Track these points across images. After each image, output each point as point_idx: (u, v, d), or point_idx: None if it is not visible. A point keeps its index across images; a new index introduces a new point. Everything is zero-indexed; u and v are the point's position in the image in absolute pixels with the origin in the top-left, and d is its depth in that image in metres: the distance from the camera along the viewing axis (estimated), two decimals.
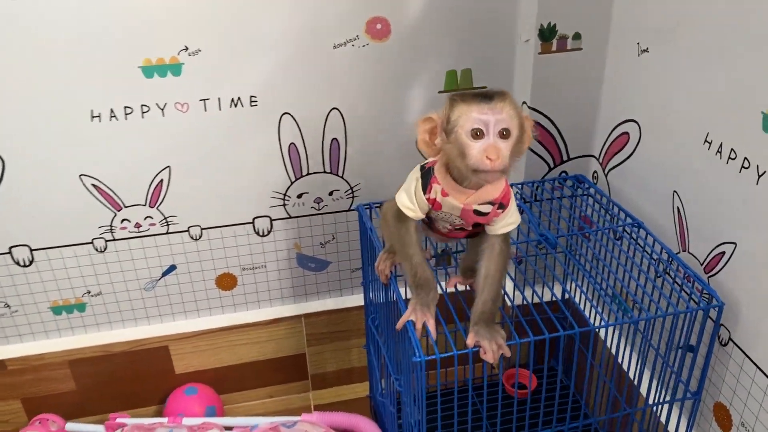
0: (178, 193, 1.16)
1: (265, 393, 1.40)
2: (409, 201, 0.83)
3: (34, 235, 1.14)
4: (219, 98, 1.09)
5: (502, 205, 0.82)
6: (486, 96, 0.75)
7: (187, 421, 1.21)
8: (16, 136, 1.05)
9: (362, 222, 1.10)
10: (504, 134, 0.74)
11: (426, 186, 0.82)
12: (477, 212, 0.81)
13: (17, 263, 1.16)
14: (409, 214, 0.83)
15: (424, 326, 0.83)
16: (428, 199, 0.82)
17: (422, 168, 0.84)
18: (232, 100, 1.10)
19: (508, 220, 0.84)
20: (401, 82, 1.13)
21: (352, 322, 1.35)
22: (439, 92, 1.16)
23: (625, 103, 1.08)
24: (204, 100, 1.09)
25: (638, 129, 1.06)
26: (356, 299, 1.33)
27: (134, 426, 1.19)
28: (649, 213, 1.06)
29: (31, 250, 1.16)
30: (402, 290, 0.95)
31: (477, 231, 0.87)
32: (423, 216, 0.84)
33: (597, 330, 1.06)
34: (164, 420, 1.21)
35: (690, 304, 0.90)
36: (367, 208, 1.11)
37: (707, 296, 0.90)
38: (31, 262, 1.17)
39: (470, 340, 0.82)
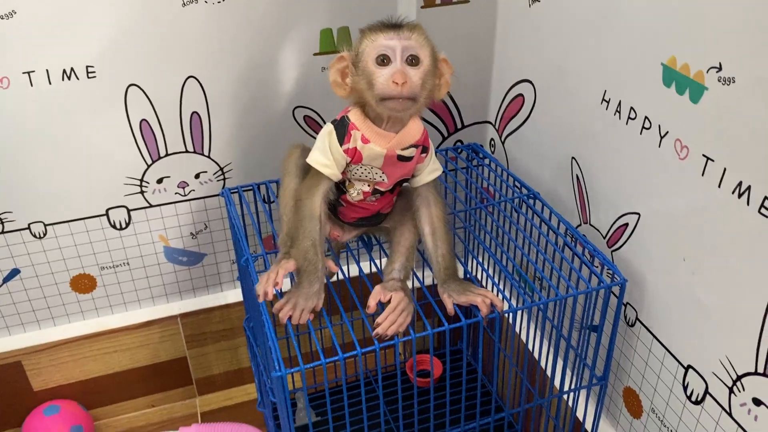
0: (9, 185, 0.98)
1: (145, 403, 1.24)
2: (324, 157, 0.74)
3: None
4: (47, 70, 0.91)
5: (425, 149, 0.77)
6: (395, 24, 0.71)
7: None
8: None
9: (230, 209, 0.95)
10: (412, 62, 0.70)
11: (343, 136, 0.73)
12: (401, 158, 0.74)
13: None
14: (325, 171, 0.74)
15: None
16: (347, 151, 0.74)
17: (334, 121, 0.75)
18: (64, 71, 0.92)
19: (433, 166, 0.79)
20: (268, 44, 0.98)
21: (236, 319, 1.21)
22: (314, 54, 1.01)
23: (519, 62, 0.97)
24: (28, 72, 0.90)
25: (533, 90, 0.95)
26: (238, 294, 1.19)
27: None
28: (547, 182, 0.96)
29: None
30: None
31: (389, 200, 0.80)
32: (340, 174, 0.75)
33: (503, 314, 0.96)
34: None
35: (590, 283, 0.81)
36: (234, 193, 0.97)
37: (610, 273, 0.81)
38: None
39: (449, 304, 0.75)
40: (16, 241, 1.03)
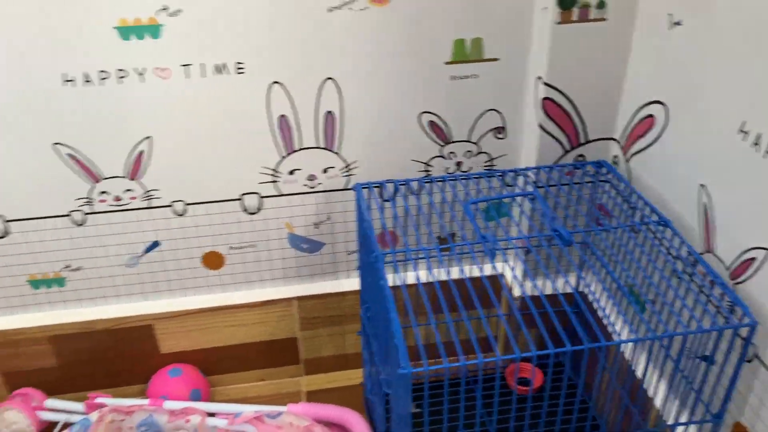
0: (160, 165, 1.08)
1: (256, 376, 1.33)
2: None
3: (9, 205, 1.08)
4: (203, 64, 1.00)
5: None
6: None
7: (169, 404, 1.15)
8: None
9: (359, 203, 1.01)
10: None
11: None
12: None
13: None
14: None
15: None
16: None
17: None
18: (217, 66, 1.00)
19: None
20: (404, 50, 1.03)
21: (348, 307, 1.27)
22: (446, 63, 1.05)
23: (652, 83, 0.96)
24: (186, 65, 1.00)
25: (665, 112, 0.94)
26: (351, 283, 1.25)
27: (113, 407, 1.13)
28: (671, 206, 0.95)
29: (5, 221, 1.09)
30: (391, 278, 0.85)
31: None
32: None
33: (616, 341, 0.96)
34: (145, 402, 1.15)
35: (716, 318, 0.79)
36: (365, 188, 1.02)
37: (730, 304, 0.80)
38: (6, 234, 1.10)
39: None
40: (160, 216, 1.13)
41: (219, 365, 1.30)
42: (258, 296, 1.24)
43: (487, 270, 1.21)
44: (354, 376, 1.35)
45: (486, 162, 1.16)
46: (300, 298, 1.25)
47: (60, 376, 1.25)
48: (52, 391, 1.25)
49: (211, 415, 1.15)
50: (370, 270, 0.90)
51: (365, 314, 1.05)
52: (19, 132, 1.01)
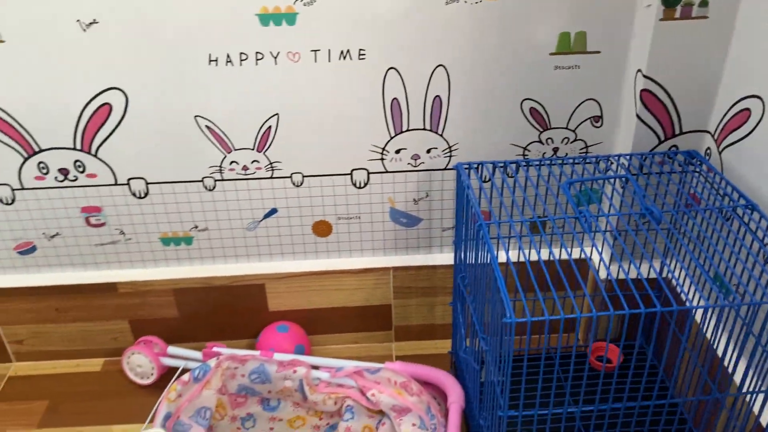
0: (284, 139, 1.20)
1: (351, 338, 1.45)
2: None
3: (150, 169, 1.22)
4: (329, 50, 1.11)
5: None
6: None
7: (278, 356, 1.28)
8: (138, 74, 1.12)
9: (460, 181, 1.10)
10: None
11: None
12: None
13: (134, 194, 1.25)
14: None
15: None
16: None
17: None
18: (341, 52, 1.12)
19: None
20: (511, 41, 1.12)
21: (438, 279, 1.37)
22: (551, 54, 1.13)
23: (750, 78, 1.02)
24: (315, 51, 1.11)
25: (762, 106, 0.99)
26: (444, 258, 1.35)
27: (229, 356, 1.27)
28: (764, 197, 1.00)
29: (147, 183, 1.24)
30: (496, 251, 0.95)
31: None
32: None
33: (694, 311, 1.02)
34: (257, 353, 1.28)
35: None
36: (466, 168, 1.12)
37: None
38: (146, 195, 1.25)
39: None
40: (280, 186, 1.26)
41: (318, 325, 1.42)
42: (358, 264, 1.35)
43: (576, 253, 1.29)
44: (440, 346, 1.45)
45: (581, 149, 1.23)
46: (395, 269, 1.36)
47: (180, 326, 1.40)
48: (171, 340, 1.40)
49: (315, 368, 1.27)
50: (462, 239, 1.00)
51: (461, 283, 1.14)
52: (165, 104, 1.15)
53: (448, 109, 1.18)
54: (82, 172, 1.22)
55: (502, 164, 1.17)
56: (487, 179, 1.25)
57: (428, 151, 1.23)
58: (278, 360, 1.27)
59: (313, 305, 1.39)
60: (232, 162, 1.22)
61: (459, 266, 1.20)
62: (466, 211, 1.08)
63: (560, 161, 1.17)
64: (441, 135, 1.21)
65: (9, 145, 1.18)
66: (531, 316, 0.81)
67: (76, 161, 1.20)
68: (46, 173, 1.21)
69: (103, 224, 1.28)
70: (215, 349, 1.33)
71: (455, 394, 1.16)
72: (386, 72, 1.14)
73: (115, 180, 1.23)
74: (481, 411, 1.06)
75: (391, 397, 1.19)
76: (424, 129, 1.20)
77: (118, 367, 1.42)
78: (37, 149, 1.19)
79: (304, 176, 1.25)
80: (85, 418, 1.31)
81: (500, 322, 0.82)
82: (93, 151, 1.19)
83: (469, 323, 1.11)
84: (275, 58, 1.11)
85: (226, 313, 1.38)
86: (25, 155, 1.19)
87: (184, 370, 1.33)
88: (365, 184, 1.27)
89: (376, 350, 1.45)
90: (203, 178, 1.24)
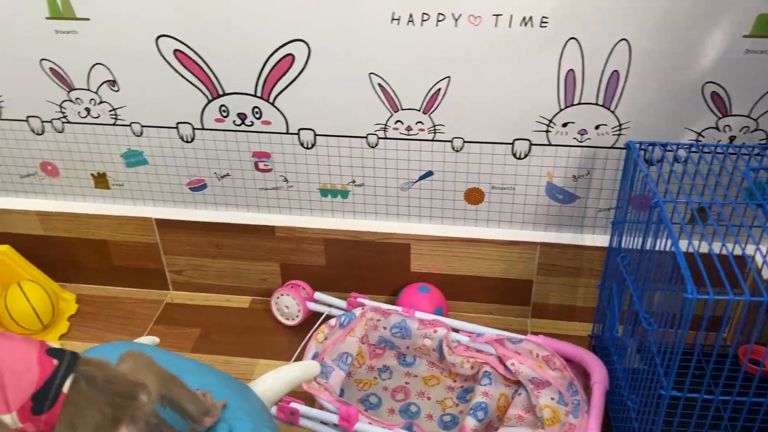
0: (451, 103, 1.22)
1: (486, 309, 1.46)
2: None
3: (321, 121, 1.28)
4: (512, 15, 1.11)
5: None
6: None
7: (419, 314, 1.31)
8: (322, 28, 1.17)
9: (628, 159, 1.08)
10: None
11: None
12: None
13: (302, 144, 1.31)
14: None
15: None
16: None
17: None
18: (524, 18, 1.11)
19: None
20: (702, 20, 1.07)
21: (586, 261, 1.35)
22: (744, 36, 1.07)
23: None
24: (497, 15, 1.12)
25: None
26: (595, 239, 1.33)
27: (373, 307, 1.32)
28: None
29: (315, 135, 1.30)
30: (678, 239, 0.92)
31: None
32: None
33: None
34: (399, 309, 1.32)
35: None
36: (638, 147, 1.09)
37: None
38: (312, 146, 1.31)
39: None
40: (439, 149, 1.28)
41: (456, 291, 1.44)
42: (505, 235, 1.36)
43: (737, 250, 1.23)
44: (579, 329, 1.43)
45: (761, 140, 1.17)
46: (543, 244, 1.35)
47: (326, 275, 1.46)
48: (317, 287, 1.47)
49: (455, 330, 1.29)
50: (623, 221, 0.97)
51: (621, 260, 1.12)
52: (344, 59, 1.20)
53: (624, 85, 1.15)
54: (259, 118, 1.29)
55: (676, 146, 1.13)
56: (659, 159, 1.21)
57: (597, 128, 1.21)
58: (420, 318, 1.30)
59: (453, 271, 1.41)
60: (397, 121, 1.25)
61: (615, 249, 1.18)
62: (630, 191, 1.06)
63: (739, 150, 1.12)
64: (613, 112, 1.19)
65: (197, 87, 1.27)
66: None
67: (255, 107, 1.28)
68: (226, 116, 1.30)
69: (270, 170, 1.36)
70: (359, 299, 1.38)
71: (600, 374, 1.14)
72: (566, 42, 1.12)
73: (287, 128, 1.30)
74: (630, 394, 1.04)
75: (531, 369, 1.19)
76: (596, 104, 1.18)
77: (265, 306, 1.50)
78: (221, 92, 1.27)
79: (464, 141, 1.26)
80: (234, 348, 1.40)
81: (679, 300, 0.80)
82: (271, 99, 1.26)
83: (625, 309, 1.09)
84: (456, 20, 1.13)
85: (370, 267, 1.43)
86: (210, 97, 1.28)
87: (328, 317, 1.39)
88: (525, 155, 1.26)
89: (512, 323, 1.45)
90: (368, 134, 1.28)
